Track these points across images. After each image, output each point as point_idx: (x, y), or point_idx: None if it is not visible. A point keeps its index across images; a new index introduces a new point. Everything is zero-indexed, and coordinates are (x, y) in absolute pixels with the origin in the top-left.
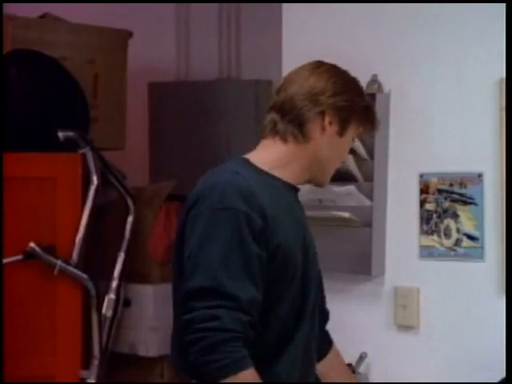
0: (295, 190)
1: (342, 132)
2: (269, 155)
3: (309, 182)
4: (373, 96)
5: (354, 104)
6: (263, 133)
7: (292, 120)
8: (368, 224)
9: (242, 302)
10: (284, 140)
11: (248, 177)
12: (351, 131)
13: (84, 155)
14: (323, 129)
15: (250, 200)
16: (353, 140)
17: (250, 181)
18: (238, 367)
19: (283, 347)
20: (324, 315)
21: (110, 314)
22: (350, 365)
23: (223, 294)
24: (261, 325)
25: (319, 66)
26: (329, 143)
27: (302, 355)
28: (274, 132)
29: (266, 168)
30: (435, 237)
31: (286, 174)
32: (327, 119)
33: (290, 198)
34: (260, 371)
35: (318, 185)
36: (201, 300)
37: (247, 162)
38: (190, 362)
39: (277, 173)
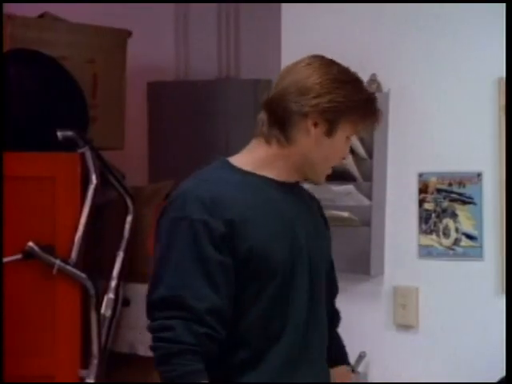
0: (287, 185)
1: (330, 133)
2: (252, 156)
3: (304, 179)
4: None
5: (342, 104)
6: (255, 131)
7: (276, 122)
8: (367, 223)
9: (199, 313)
10: (268, 142)
11: (218, 181)
12: (342, 131)
13: (83, 155)
14: (308, 131)
15: (212, 207)
16: (347, 138)
17: (219, 186)
18: (186, 380)
19: (270, 347)
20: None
21: (109, 313)
22: (348, 364)
23: (180, 304)
24: (241, 325)
25: (312, 63)
26: (316, 145)
27: (297, 354)
28: (260, 133)
29: (249, 168)
30: (434, 236)
31: (274, 173)
32: (311, 121)
33: (276, 194)
34: (246, 371)
35: (313, 183)
36: (161, 310)
37: (227, 163)
38: None
39: (263, 172)
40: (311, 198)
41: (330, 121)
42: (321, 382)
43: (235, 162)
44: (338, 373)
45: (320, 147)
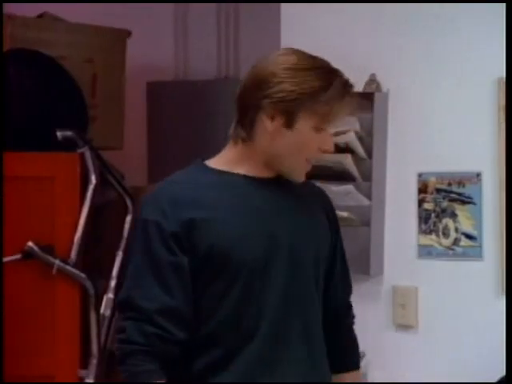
0: (266, 181)
1: (289, 125)
2: (222, 158)
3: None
4: (371, 95)
5: (294, 93)
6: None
7: (239, 119)
8: (366, 223)
9: (148, 313)
10: (235, 142)
11: (185, 182)
12: (305, 121)
13: (82, 155)
14: (266, 125)
15: (168, 208)
16: (318, 129)
17: (184, 186)
18: (138, 380)
19: (242, 346)
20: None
21: (108, 313)
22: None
23: (132, 305)
24: (210, 325)
25: (274, 54)
26: (276, 139)
27: (274, 353)
28: (230, 135)
29: (223, 168)
30: (433, 236)
31: (249, 170)
32: (266, 114)
33: (252, 191)
34: (218, 371)
35: (291, 180)
36: (122, 311)
37: (202, 164)
38: None
39: (237, 170)
40: (312, 192)
41: (286, 112)
42: (309, 381)
43: (210, 163)
44: (348, 379)
45: (282, 141)
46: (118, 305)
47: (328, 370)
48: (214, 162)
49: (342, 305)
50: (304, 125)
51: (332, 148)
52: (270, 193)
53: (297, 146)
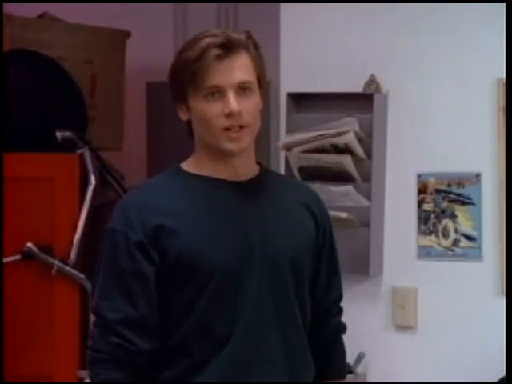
0: (238, 183)
1: (187, 105)
2: (193, 159)
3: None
4: (371, 96)
5: (174, 70)
6: None
7: None
8: (366, 224)
9: (111, 323)
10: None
11: (155, 189)
12: (192, 95)
13: (82, 155)
14: (182, 116)
15: (134, 216)
16: (204, 96)
17: (153, 193)
18: None
19: (217, 350)
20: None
21: None
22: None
23: (98, 314)
24: (181, 332)
25: None
26: (194, 123)
27: (249, 355)
28: None
29: (195, 170)
30: (433, 237)
31: (217, 170)
32: (176, 106)
33: (223, 194)
34: (193, 377)
35: (227, 153)
36: (95, 318)
37: (175, 168)
38: None
39: (206, 172)
40: (294, 191)
41: (178, 94)
42: (287, 380)
43: (184, 166)
44: None
45: (195, 124)
46: (92, 312)
47: (309, 370)
48: (187, 165)
49: (322, 309)
50: (193, 98)
51: (233, 107)
52: (241, 195)
53: (201, 121)
